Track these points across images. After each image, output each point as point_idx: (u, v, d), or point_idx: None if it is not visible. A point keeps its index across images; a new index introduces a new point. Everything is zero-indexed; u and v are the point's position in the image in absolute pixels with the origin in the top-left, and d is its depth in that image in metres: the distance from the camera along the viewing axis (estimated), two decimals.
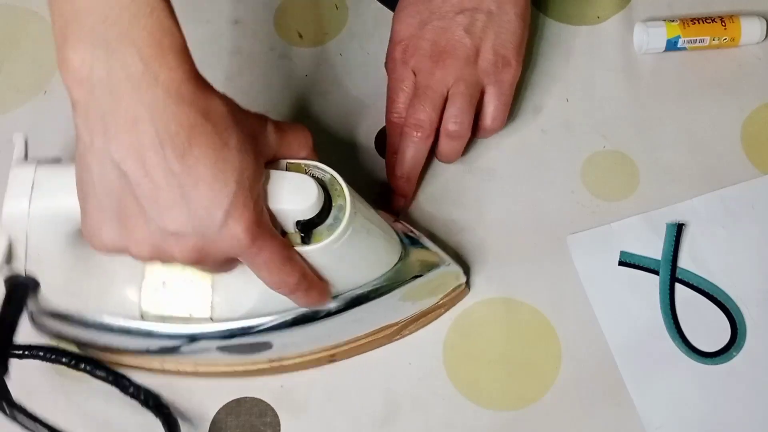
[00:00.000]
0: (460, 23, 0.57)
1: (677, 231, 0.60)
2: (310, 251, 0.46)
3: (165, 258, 0.42)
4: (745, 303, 0.58)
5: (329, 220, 0.46)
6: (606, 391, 0.56)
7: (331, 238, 0.46)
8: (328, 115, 0.64)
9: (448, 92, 0.58)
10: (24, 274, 0.48)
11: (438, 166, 0.62)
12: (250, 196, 0.42)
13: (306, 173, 0.47)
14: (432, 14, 0.58)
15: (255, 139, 0.43)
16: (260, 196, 0.43)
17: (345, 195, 0.47)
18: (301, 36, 0.67)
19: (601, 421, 0.55)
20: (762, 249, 0.60)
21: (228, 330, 0.51)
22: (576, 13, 0.68)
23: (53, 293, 0.50)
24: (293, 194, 0.45)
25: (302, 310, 0.51)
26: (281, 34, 0.67)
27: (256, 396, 0.55)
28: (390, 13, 0.66)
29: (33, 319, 0.53)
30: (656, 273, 0.59)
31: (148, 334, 0.52)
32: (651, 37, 0.65)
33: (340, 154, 0.62)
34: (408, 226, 0.56)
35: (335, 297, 0.51)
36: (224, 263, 0.45)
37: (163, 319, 0.51)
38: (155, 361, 0.55)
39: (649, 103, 0.65)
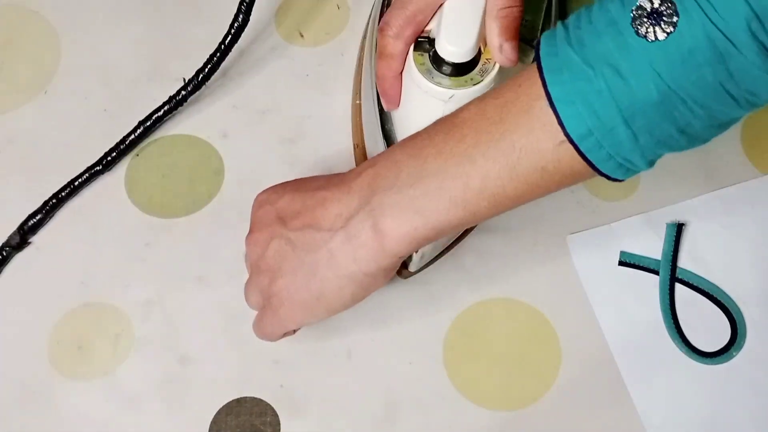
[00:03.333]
0: (272, 224, 0.48)
1: (677, 231, 0.60)
2: (413, 68, 0.49)
3: None
4: (745, 303, 0.58)
5: (445, 80, 0.48)
6: (606, 391, 0.56)
7: (432, 87, 0.48)
8: (328, 116, 0.64)
9: None
10: None
11: None
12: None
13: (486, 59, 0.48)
14: (270, 202, 0.50)
15: None
16: (417, 10, 0.48)
17: (485, 79, 0.48)
18: (302, 36, 0.67)
19: (601, 421, 0.55)
20: (762, 249, 0.60)
21: None
22: None
23: None
24: (453, 35, 0.47)
25: None
26: (282, 34, 0.67)
27: (256, 396, 0.55)
28: None
29: None
30: (656, 273, 0.59)
31: None
32: None
33: (340, 154, 0.62)
34: None
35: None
36: None
37: None
38: None
39: None
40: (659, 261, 0.59)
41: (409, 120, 0.52)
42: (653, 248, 0.59)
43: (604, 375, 0.56)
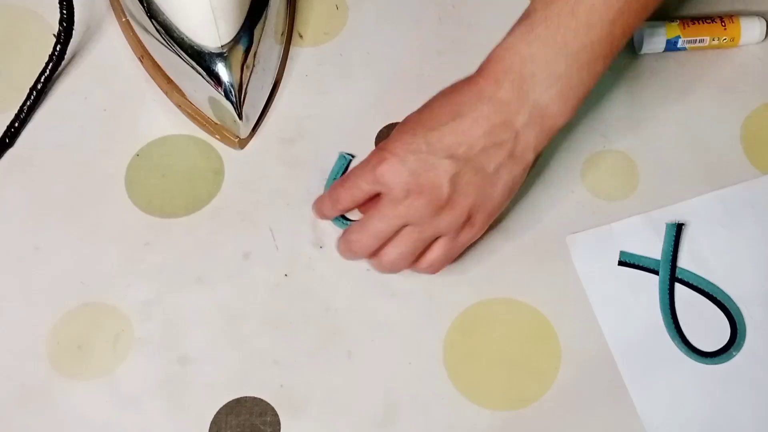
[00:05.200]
0: (448, 169, 0.53)
1: (677, 231, 0.60)
2: None
3: None
4: (745, 303, 0.58)
5: None
6: (606, 391, 0.56)
7: None
8: (328, 116, 0.64)
9: (401, 228, 0.55)
10: None
11: None
12: None
13: None
14: (427, 144, 0.53)
15: None
16: None
17: None
18: (301, 36, 0.67)
19: (601, 421, 0.55)
20: (762, 249, 0.60)
21: None
22: None
23: None
24: None
25: None
26: None
27: (256, 396, 0.55)
28: (391, 16, 0.66)
29: None
30: (656, 273, 0.59)
31: None
32: (651, 37, 0.65)
33: (338, 154, 0.62)
34: None
35: None
36: None
37: None
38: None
39: (649, 103, 0.65)
40: (659, 261, 0.59)
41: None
42: (653, 248, 0.60)
43: (604, 375, 0.56)
